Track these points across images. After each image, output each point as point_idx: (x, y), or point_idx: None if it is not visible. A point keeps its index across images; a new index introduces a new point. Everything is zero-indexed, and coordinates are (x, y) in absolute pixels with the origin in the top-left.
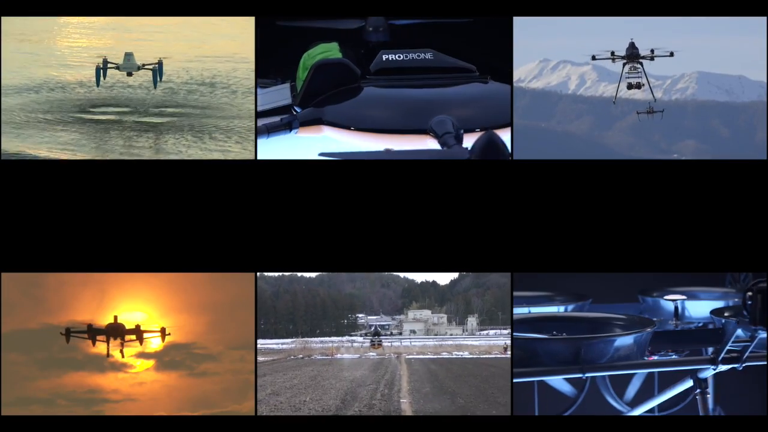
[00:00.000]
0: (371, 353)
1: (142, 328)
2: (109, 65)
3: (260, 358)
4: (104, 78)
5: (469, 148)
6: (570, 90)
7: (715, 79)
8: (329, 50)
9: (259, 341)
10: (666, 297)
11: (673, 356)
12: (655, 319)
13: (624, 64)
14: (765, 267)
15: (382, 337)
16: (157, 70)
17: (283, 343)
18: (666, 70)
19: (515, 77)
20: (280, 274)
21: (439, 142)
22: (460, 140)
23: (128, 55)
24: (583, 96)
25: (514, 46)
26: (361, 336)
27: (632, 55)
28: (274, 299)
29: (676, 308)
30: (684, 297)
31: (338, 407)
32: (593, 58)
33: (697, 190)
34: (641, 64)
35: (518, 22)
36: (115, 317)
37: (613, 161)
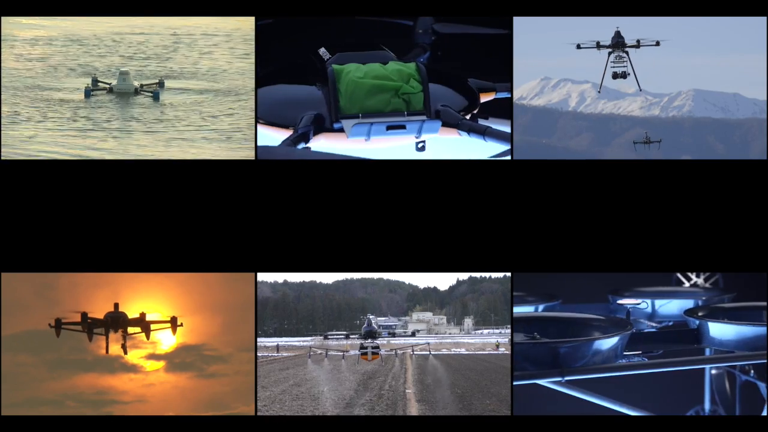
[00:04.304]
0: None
1: (148, 318)
2: (99, 85)
3: (284, 354)
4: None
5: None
6: (570, 107)
7: (711, 97)
8: (376, 67)
9: (283, 339)
10: (619, 301)
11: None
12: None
13: (609, 53)
14: (765, 267)
15: (379, 341)
16: (159, 92)
17: (303, 341)
18: (663, 88)
19: (517, 95)
20: (302, 280)
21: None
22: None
23: (123, 75)
24: (583, 113)
25: (514, 55)
26: (345, 337)
27: (618, 43)
28: (296, 302)
29: (628, 312)
30: (640, 301)
31: (352, 397)
32: (578, 46)
33: (697, 190)
34: (627, 53)
35: (518, 39)
36: (116, 305)
37: (613, 161)
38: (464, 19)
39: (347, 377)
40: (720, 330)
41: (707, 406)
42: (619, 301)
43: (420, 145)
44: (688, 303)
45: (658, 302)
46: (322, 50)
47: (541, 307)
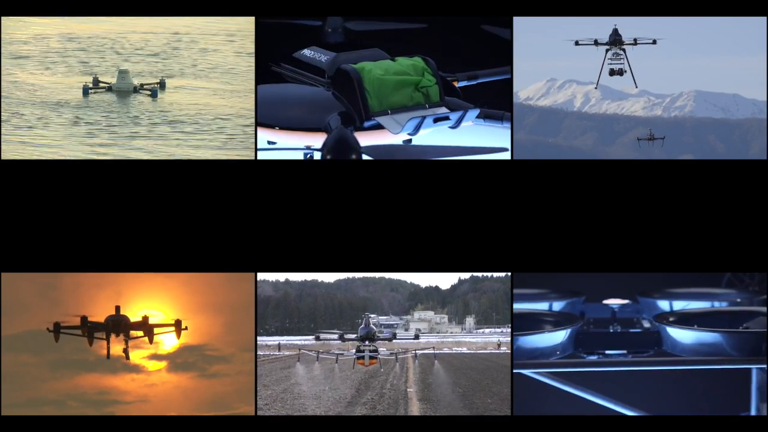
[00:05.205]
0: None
1: (151, 321)
2: (100, 84)
3: (285, 353)
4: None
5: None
6: (575, 108)
7: (712, 98)
8: (390, 64)
9: (284, 337)
10: (605, 301)
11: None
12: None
13: (607, 50)
14: (765, 267)
15: (377, 343)
16: (157, 90)
17: (305, 340)
18: (665, 88)
19: (524, 96)
20: (303, 279)
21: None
22: None
23: (122, 73)
24: (588, 113)
25: (514, 51)
26: (339, 338)
27: (615, 41)
28: (298, 301)
29: (614, 312)
30: (626, 301)
31: (353, 395)
32: (576, 43)
33: (697, 190)
34: (624, 51)
35: (525, 41)
36: (117, 308)
37: (613, 161)
38: (379, 16)
39: (348, 376)
40: (678, 335)
41: (753, 410)
42: (605, 301)
43: (408, 140)
44: (706, 305)
45: (676, 304)
46: (309, 52)
47: (559, 305)
